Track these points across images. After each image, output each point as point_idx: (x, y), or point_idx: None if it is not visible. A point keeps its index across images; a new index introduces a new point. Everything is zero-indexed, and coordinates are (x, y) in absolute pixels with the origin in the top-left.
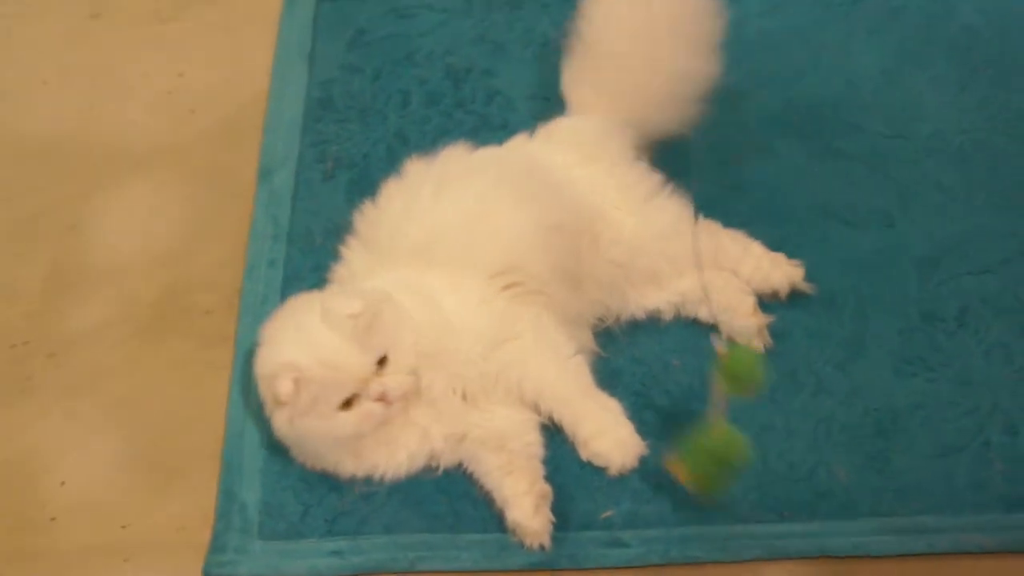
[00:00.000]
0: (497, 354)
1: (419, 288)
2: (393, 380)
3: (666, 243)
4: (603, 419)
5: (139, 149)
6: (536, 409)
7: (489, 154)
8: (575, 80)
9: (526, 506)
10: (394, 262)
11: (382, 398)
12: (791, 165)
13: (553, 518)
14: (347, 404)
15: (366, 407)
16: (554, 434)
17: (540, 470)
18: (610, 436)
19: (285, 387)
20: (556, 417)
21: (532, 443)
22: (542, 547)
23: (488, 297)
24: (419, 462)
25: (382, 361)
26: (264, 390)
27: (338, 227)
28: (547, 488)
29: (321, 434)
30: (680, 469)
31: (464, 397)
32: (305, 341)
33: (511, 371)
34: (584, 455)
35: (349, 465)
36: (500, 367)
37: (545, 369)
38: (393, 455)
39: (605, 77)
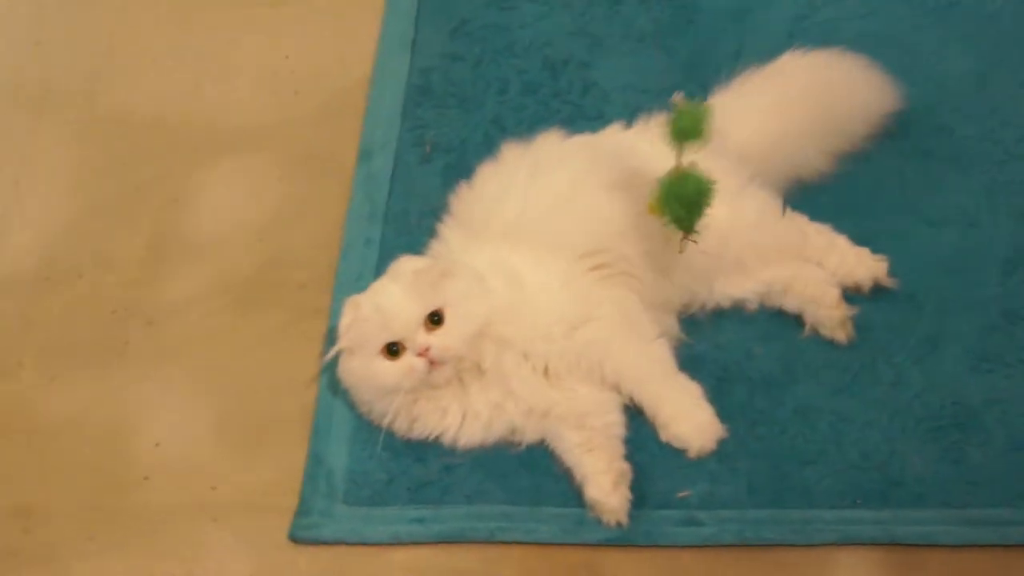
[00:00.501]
0: (579, 333)
1: (506, 266)
2: (440, 340)
3: (754, 233)
4: (683, 402)
5: (242, 128)
6: (618, 389)
7: (584, 140)
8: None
9: (605, 484)
10: (487, 241)
11: (424, 354)
12: (880, 164)
13: (631, 496)
14: (394, 354)
15: (408, 360)
16: (635, 414)
17: (620, 449)
18: (690, 419)
19: (344, 320)
20: (637, 398)
21: (613, 423)
22: (619, 524)
23: (574, 277)
24: (493, 435)
25: (438, 321)
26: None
27: (434, 209)
28: (626, 467)
29: (365, 378)
30: (656, 211)
31: (545, 374)
32: (373, 290)
33: (593, 351)
34: (664, 437)
35: (401, 423)
36: (582, 346)
37: (627, 350)
38: (448, 423)
39: (752, 123)
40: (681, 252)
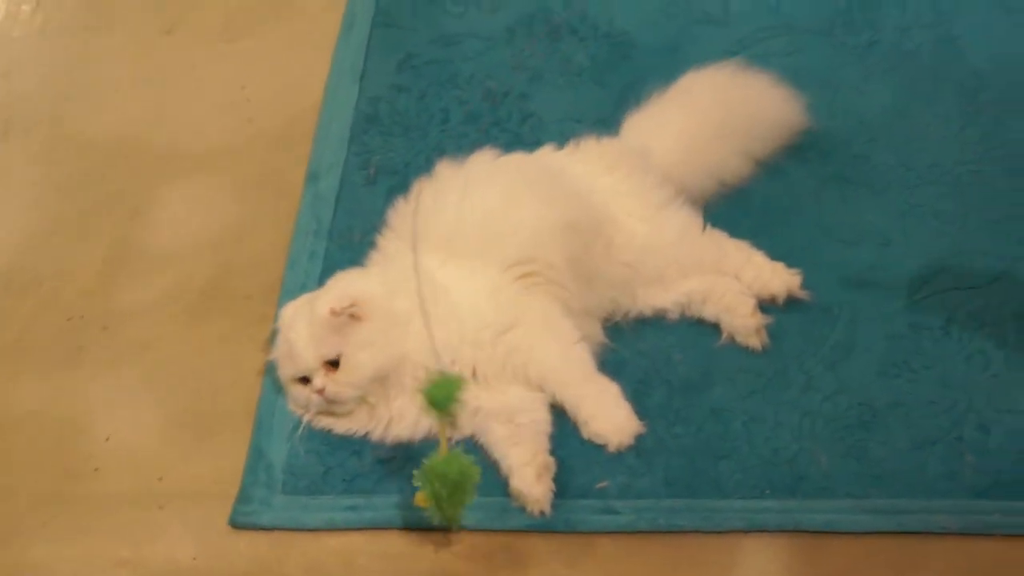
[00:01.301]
0: (504, 339)
1: (434, 278)
2: (334, 386)
3: (675, 249)
4: (602, 401)
5: (198, 151)
6: (543, 390)
7: (515, 158)
8: (636, 130)
9: (528, 475)
10: (422, 252)
11: (320, 392)
12: (799, 188)
13: (554, 488)
14: (304, 381)
15: (309, 392)
16: (560, 412)
17: (545, 444)
18: (608, 417)
19: (276, 336)
20: (559, 399)
21: (540, 420)
22: (542, 513)
23: (501, 286)
24: (420, 432)
25: (337, 364)
26: None
27: (376, 227)
28: (550, 460)
29: (285, 390)
30: (421, 499)
31: (474, 376)
32: (296, 316)
33: (517, 355)
34: (585, 434)
35: (323, 423)
36: (507, 351)
37: (549, 354)
38: (373, 424)
39: (669, 140)
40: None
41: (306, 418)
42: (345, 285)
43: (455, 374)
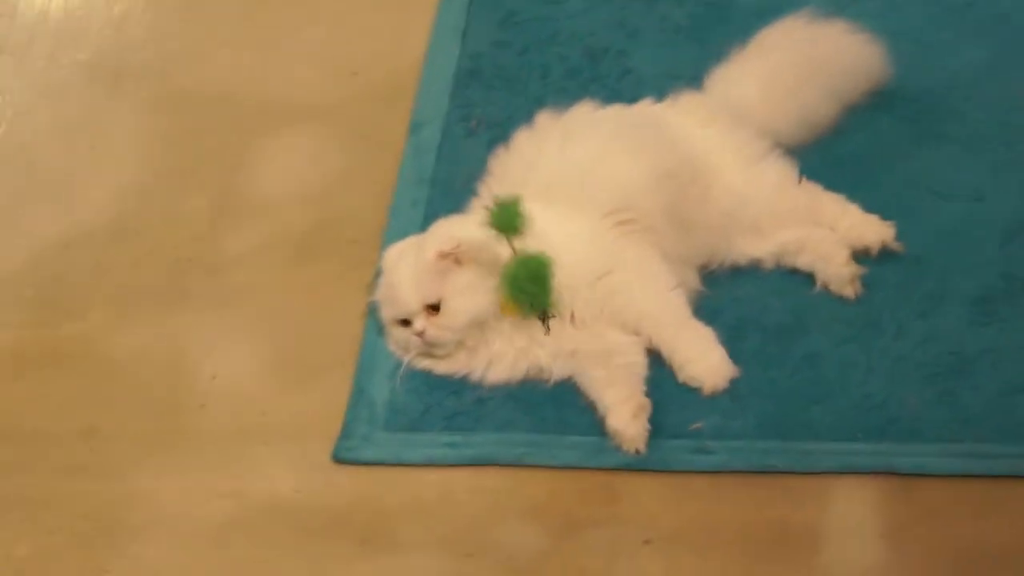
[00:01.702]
0: (602, 283)
1: (531, 223)
2: (433, 329)
3: (771, 198)
4: (698, 345)
5: (302, 104)
6: (639, 333)
7: (613, 110)
8: (725, 80)
9: (624, 413)
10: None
11: (420, 335)
12: (894, 143)
13: (649, 427)
14: (405, 324)
15: (409, 334)
16: (656, 356)
17: (641, 386)
18: (704, 361)
19: (379, 278)
20: (655, 342)
21: (636, 363)
22: (638, 452)
23: (599, 233)
24: (518, 373)
25: (437, 306)
26: None
27: (477, 176)
28: (646, 401)
29: (386, 331)
30: (508, 308)
31: (572, 320)
32: (398, 254)
33: (615, 299)
34: (680, 378)
35: (424, 363)
36: (605, 295)
37: (646, 298)
38: (474, 364)
39: (754, 89)
40: (547, 334)
41: (406, 359)
42: (449, 228)
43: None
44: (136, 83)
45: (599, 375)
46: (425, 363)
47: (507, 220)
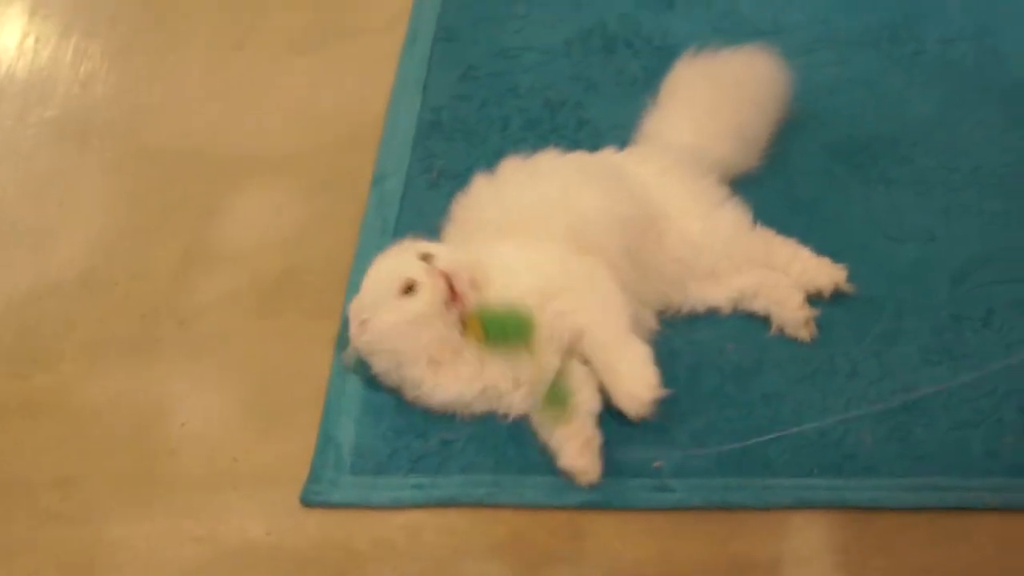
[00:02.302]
0: (552, 304)
1: (493, 252)
2: (442, 261)
3: (727, 245)
4: (629, 364)
5: (268, 156)
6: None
7: (577, 155)
8: (658, 122)
9: (572, 450)
10: (482, 238)
11: (441, 275)
12: (846, 188)
13: (599, 461)
14: (412, 291)
15: (428, 284)
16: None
17: (590, 420)
18: (629, 381)
19: (353, 311)
20: (592, 360)
21: (586, 399)
22: (591, 484)
23: (556, 254)
24: (478, 397)
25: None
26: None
27: (439, 226)
28: (593, 434)
29: (398, 322)
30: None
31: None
32: (365, 276)
33: (562, 319)
34: (613, 397)
35: (415, 375)
36: (553, 315)
37: (587, 315)
38: (447, 382)
39: (682, 125)
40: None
41: (426, 343)
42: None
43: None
44: (103, 139)
45: None
46: (425, 382)
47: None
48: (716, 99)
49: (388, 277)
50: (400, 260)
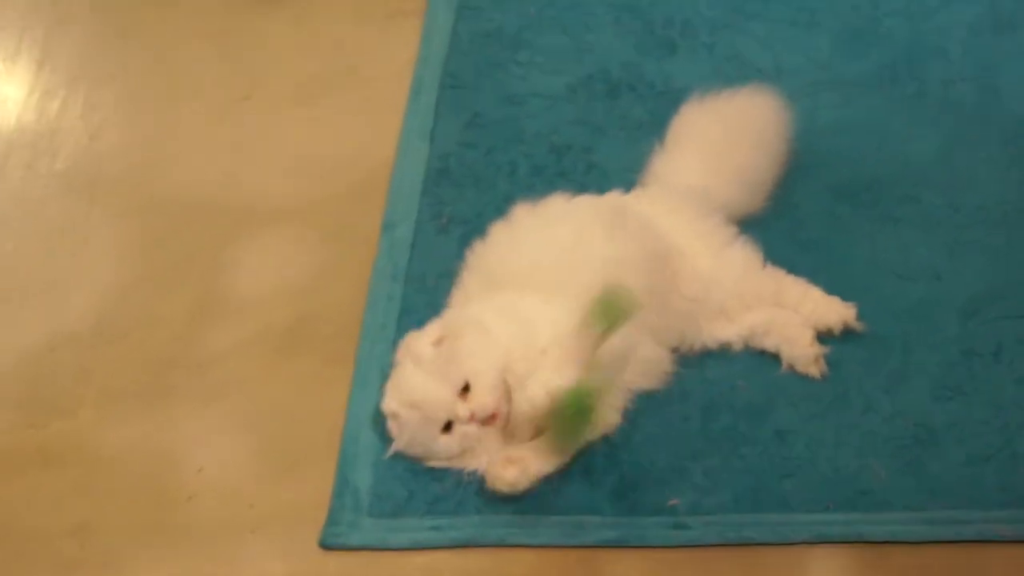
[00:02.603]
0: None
1: (515, 308)
2: (477, 402)
3: (737, 284)
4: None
5: (276, 206)
6: None
7: (587, 199)
8: (665, 164)
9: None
10: (500, 288)
11: (472, 419)
12: (852, 228)
13: (516, 475)
14: (447, 428)
15: (462, 429)
16: (630, 432)
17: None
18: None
19: (392, 429)
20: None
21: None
22: (510, 490)
23: (580, 308)
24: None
25: (466, 389)
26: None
27: (450, 272)
28: (527, 455)
29: (430, 455)
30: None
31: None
32: (398, 386)
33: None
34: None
35: (442, 465)
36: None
37: None
38: (476, 459)
39: (690, 167)
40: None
41: (477, 469)
42: (423, 329)
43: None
44: (112, 191)
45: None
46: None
47: (613, 310)
48: (722, 141)
49: (429, 413)
50: (437, 391)
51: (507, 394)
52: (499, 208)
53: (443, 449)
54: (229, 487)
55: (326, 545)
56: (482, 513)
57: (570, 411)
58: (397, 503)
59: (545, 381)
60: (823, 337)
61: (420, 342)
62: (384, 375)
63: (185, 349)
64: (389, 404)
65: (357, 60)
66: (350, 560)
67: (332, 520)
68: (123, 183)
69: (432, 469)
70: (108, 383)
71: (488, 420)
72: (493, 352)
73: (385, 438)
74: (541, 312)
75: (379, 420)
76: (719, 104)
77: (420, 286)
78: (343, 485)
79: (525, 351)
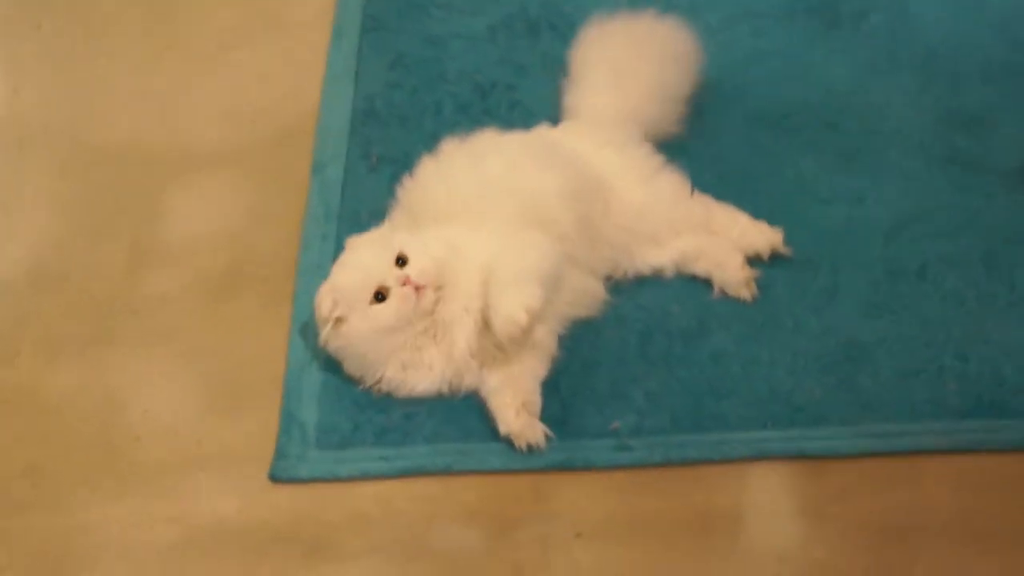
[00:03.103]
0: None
1: (445, 236)
2: (413, 268)
3: (667, 211)
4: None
5: (207, 152)
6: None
7: (517, 135)
8: (577, 94)
9: (509, 415)
10: (429, 222)
11: (407, 282)
12: (774, 156)
13: (539, 424)
14: (382, 300)
15: (397, 293)
16: (568, 360)
17: (531, 386)
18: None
19: (325, 304)
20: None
21: (530, 368)
22: (530, 446)
23: (507, 232)
24: (447, 382)
25: (403, 263)
26: (316, 317)
27: (382, 209)
28: (531, 398)
29: (366, 332)
30: None
31: (476, 322)
32: (339, 265)
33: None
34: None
35: (387, 377)
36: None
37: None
38: (420, 376)
39: (600, 92)
40: None
41: (393, 349)
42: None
43: None
44: (40, 144)
45: (493, 384)
46: (391, 373)
47: None
48: (626, 60)
49: (363, 278)
50: (375, 260)
51: (440, 287)
52: (427, 146)
53: (380, 317)
54: (175, 427)
55: (276, 478)
56: (430, 443)
57: None
58: (344, 435)
59: (518, 299)
60: (752, 261)
61: (355, 239)
62: None
63: (124, 295)
64: (324, 285)
65: (276, 6)
66: (301, 492)
67: (280, 454)
68: (52, 135)
69: (377, 402)
70: (47, 330)
71: (421, 286)
72: (429, 241)
73: (328, 364)
74: (468, 239)
75: (313, 329)
76: (618, 25)
77: (353, 225)
78: (289, 420)
79: (451, 274)
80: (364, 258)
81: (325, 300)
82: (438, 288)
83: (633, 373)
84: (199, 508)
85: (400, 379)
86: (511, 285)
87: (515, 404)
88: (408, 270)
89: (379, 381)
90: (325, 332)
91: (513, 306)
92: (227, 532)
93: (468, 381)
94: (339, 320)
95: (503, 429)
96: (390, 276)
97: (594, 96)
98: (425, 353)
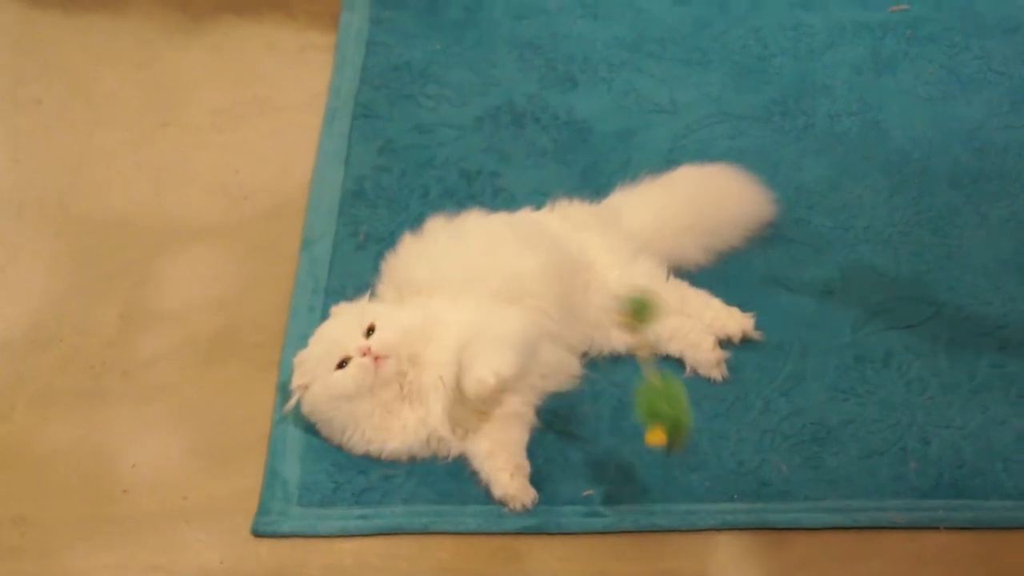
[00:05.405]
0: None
1: (425, 307)
2: (377, 339)
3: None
4: (488, 348)
5: (199, 225)
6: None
7: (501, 215)
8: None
9: (503, 478)
10: (413, 295)
11: (367, 352)
12: (748, 249)
13: (530, 487)
14: (341, 366)
15: (355, 362)
16: (544, 431)
17: (519, 450)
18: (486, 360)
19: (296, 377)
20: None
21: (514, 437)
22: (524, 507)
23: (485, 305)
24: (422, 445)
25: (372, 332)
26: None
27: (368, 285)
28: (523, 462)
29: (327, 393)
30: (655, 435)
31: (452, 389)
32: (315, 333)
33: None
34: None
35: (357, 440)
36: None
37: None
38: (392, 437)
39: (646, 213)
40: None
41: (354, 414)
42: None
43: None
44: (39, 210)
45: (483, 450)
46: (357, 439)
47: (642, 311)
48: (689, 213)
49: (328, 347)
50: (344, 330)
51: (411, 360)
52: (413, 227)
53: (336, 384)
54: (163, 481)
55: (258, 533)
56: (407, 503)
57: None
58: (325, 494)
59: (490, 364)
60: (724, 344)
61: (336, 308)
62: None
63: (117, 355)
64: (300, 353)
65: (271, 90)
66: (281, 547)
67: (263, 509)
68: (49, 203)
69: (357, 462)
70: (42, 387)
71: (380, 357)
72: (402, 317)
73: (311, 426)
74: (447, 311)
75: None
76: (707, 173)
77: (340, 298)
78: (273, 477)
79: (429, 342)
80: (334, 329)
81: (297, 366)
82: (412, 356)
83: (606, 445)
84: (183, 558)
85: (370, 440)
86: (487, 349)
87: (509, 468)
88: (371, 340)
89: (349, 441)
90: (291, 401)
91: (484, 369)
92: None
93: (454, 447)
94: (303, 388)
95: (498, 492)
96: (352, 346)
97: (639, 216)
98: (397, 417)
